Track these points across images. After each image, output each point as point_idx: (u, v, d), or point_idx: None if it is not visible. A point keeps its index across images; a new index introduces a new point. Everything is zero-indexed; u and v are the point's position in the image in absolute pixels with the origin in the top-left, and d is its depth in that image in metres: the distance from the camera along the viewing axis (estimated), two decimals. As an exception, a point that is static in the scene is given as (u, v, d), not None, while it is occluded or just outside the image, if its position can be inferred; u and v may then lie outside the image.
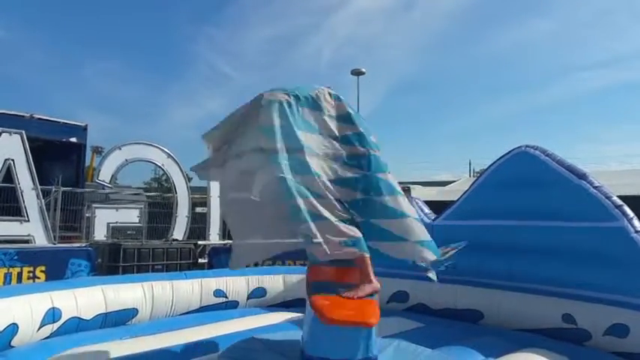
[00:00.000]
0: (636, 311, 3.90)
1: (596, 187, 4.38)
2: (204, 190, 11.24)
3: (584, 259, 4.32)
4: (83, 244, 8.58)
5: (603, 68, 74.35)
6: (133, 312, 4.78)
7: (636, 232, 4.09)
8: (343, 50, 78.97)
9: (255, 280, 5.85)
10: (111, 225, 9.54)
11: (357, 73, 27.84)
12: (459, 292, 5.14)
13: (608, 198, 4.28)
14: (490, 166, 5.41)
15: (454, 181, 21.07)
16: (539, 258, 4.61)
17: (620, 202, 4.26)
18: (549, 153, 4.78)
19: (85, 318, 4.37)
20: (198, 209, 11.69)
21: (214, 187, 10.90)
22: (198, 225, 11.28)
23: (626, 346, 3.89)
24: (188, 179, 10.98)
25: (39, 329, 4.02)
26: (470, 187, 5.60)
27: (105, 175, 9.49)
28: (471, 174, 34.22)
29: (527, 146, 4.95)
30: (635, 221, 4.15)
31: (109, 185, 9.72)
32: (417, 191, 19.92)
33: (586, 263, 4.31)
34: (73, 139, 12.75)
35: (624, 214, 4.17)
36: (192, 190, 11.31)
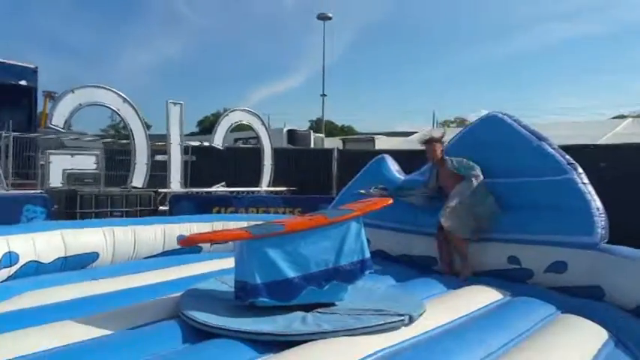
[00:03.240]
0: (574, 249, 4.26)
1: (554, 147, 4.81)
2: (164, 138, 11.06)
3: (537, 208, 4.65)
4: (38, 191, 8.39)
5: (563, 21, 75.63)
6: (93, 256, 4.78)
7: (583, 183, 4.49)
8: (308, -8, 76.71)
9: (220, 226, 5.89)
10: (66, 171, 9.29)
11: (324, 17, 27.29)
12: (415, 240, 5.36)
13: (563, 156, 4.70)
14: (463, 128, 5.83)
15: (416, 132, 21.33)
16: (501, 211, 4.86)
17: (572, 160, 4.67)
18: (515, 118, 5.20)
19: (43, 262, 4.35)
20: (159, 157, 11.51)
21: (174, 135, 10.76)
22: (158, 173, 11.15)
23: (563, 281, 4.25)
24: (147, 126, 10.75)
25: (-5, 272, 3.99)
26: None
27: (58, 119, 9.11)
28: (434, 125, 34.72)
29: (495, 112, 5.37)
30: (584, 175, 4.56)
31: (63, 130, 9.40)
32: (382, 141, 20.15)
33: (538, 211, 4.63)
34: (23, 82, 12.21)
35: (575, 169, 4.59)
36: (152, 137, 11.10)
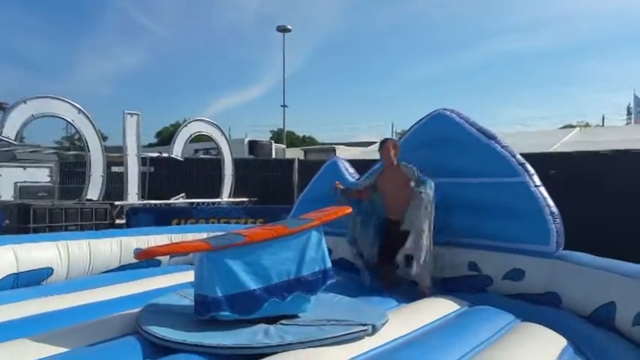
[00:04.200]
0: (530, 257, 4.30)
1: (504, 146, 4.70)
2: (120, 150, 10.83)
3: (491, 212, 4.64)
4: (-12, 205, 8.06)
5: (513, 34, 78.58)
6: (47, 271, 4.60)
7: (536, 186, 4.44)
8: (268, 5, 77.25)
9: (178, 238, 5.77)
10: (18, 185, 8.97)
11: (283, 30, 27.42)
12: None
13: (513, 156, 4.61)
14: (410, 127, 5.64)
15: (376, 142, 21.60)
16: (451, 212, 4.90)
17: (523, 160, 4.59)
18: (463, 116, 5.05)
19: (-7, 279, 4.17)
20: (115, 168, 11.26)
21: (131, 146, 10.54)
22: (115, 185, 10.91)
23: (521, 288, 4.30)
24: (103, 138, 10.50)
25: (-57, 291, 3.80)
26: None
27: (9, 131, 8.82)
28: (393, 135, 35.24)
29: (444, 109, 5.21)
30: (535, 177, 4.50)
31: (14, 142, 9.07)
32: (341, 151, 20.32)
33: (492, 216, 4.63)
34: (-29, 93, 11.77)
35: (526, 170, 4.51)
36: (108, 149, 10.86)
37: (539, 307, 4.01)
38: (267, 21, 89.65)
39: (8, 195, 8.78)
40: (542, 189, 4.46)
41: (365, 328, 3.00)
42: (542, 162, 6.70)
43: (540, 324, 3.53)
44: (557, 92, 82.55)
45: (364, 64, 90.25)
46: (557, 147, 12.63)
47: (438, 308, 3.83)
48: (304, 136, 49.14)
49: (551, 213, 4.32)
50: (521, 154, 4.73)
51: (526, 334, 3.34)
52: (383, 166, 4.89)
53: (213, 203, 11.34)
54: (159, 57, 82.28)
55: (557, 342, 3.25)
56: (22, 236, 5.07)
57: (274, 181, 13.19)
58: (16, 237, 4.98)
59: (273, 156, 20.70)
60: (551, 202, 4.38)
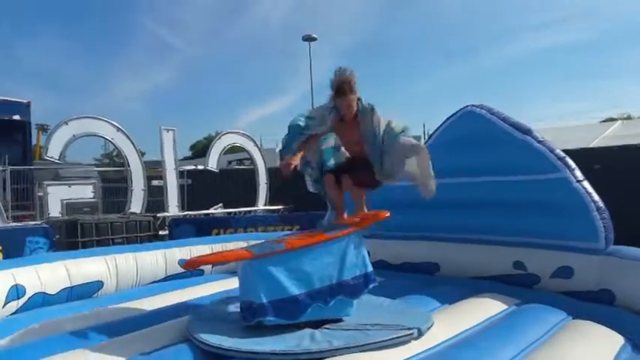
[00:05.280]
0: (579, 254, 4.19)
1: (540, 141, 4.50)
2: (158, 164, 11.12)
3: (532, 209, 4.54)
4: (39, 222, 8.39)
5: (551, 28, 76.79)
6: (98, 285, 4.77)
7: (578, 181, 4.28)
8: (293, 15, 77.94)
9: (219, 248, 5.89)
10: (65, 202, 9.30)
11: (309, 39, 27.58)
12: (416, 246, 5.35)
13: (552, 151, 4.42)
14: (439, 127, 5.52)
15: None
16: (490, 211, 4.81)
17: (562, 154, 4.42)
18: (494, 111, 4.86)
19: (49, 293, 4.35)
20: (155, 182, 11.56)
21: (169, 160, 10.80)
22: (155, 198, 11.17)
23: (571, 286, 4.19)
24: (141, 153, 10.79)
25: (4, 306, 3.99)
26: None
27: (53, 151, 9.12)
28: (425, 136, 34.87)
29: (473, 105, 5.04)
30: (577, 172, 4.33)
31: (59, 162, 9.41)
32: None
33: (534, 213, 4.53)
34: (17, 117, 12.31)
35: (567, 165, 4.33)
36: (147, 164, 11.15)
37: (591, 304, 3.90)
38: (293, 31, 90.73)
39: (56, 212, 9.10)
40: (586, 183, 4.29)
41: (411, 332, 3.00)
42: (583, 157, 6.51)
43: (594, 321, 3.43)
44: (596, 85, 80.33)
45: (394, 67, 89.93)
46: (599, 141, 12.30)
47: (486, 308, 3.77)
48: (335, 142, 49.15)
49: (598, 208, 4.15)
50: (563, 150, 4.58)
51: (579, 332, 3.26)
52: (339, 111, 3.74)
53: (249, 212, 11.48)
54: (188, 73, 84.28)
55: (613, 340, 3.16)
56: (72, 252, 5.28)
57: (307, 188, 13.24)
58: (67, 253, 5.20)
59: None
60: (596, 197, 4.21)
